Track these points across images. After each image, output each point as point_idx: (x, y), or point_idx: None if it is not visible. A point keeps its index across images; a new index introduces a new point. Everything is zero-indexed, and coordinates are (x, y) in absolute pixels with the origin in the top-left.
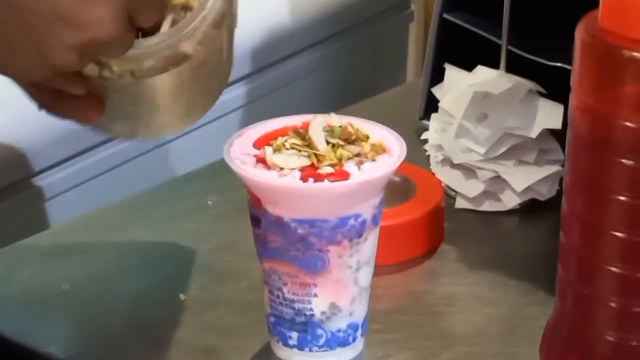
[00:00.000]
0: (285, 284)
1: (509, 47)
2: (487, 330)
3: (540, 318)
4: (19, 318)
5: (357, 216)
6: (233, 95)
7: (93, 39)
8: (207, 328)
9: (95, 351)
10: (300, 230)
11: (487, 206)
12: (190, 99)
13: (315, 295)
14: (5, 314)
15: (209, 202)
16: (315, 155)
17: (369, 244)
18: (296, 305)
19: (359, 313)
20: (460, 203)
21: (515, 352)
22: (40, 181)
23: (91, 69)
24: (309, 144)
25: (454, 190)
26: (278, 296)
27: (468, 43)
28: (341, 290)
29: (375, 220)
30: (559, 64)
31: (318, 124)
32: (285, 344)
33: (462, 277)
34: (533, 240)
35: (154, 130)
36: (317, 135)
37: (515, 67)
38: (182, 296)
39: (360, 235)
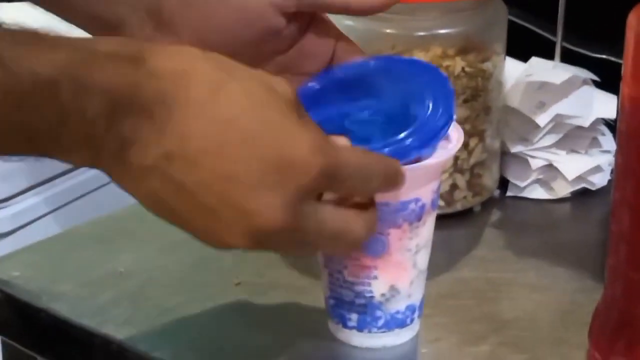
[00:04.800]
0: (346, 267)
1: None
2: (535, 315)
3: (588, 304)
4: (77, 300)
5: (417, 200)
6: None
7: (261, 227)
8: (261, 312)
9: (151, 333)
10: None
11: (539, 194)
12: None
13: (375, 277)
14: (63, 297)
15: None
16: None
17: (427, 228)
18: (356, 288)
19: (417, 295)
20: (512, 190)
21: (563, 337)
22: (93, 170)
23: None
24: None
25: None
26: (338, 279)
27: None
28: (400, 273)
29: (433, 204)
30: (604, 56)
31: None
32: (345, 326)
33: (511, 264)
34: (583, 229)
35: None
36: None
37: (561, 58)
38: (235, 281)
39: (419, 219)
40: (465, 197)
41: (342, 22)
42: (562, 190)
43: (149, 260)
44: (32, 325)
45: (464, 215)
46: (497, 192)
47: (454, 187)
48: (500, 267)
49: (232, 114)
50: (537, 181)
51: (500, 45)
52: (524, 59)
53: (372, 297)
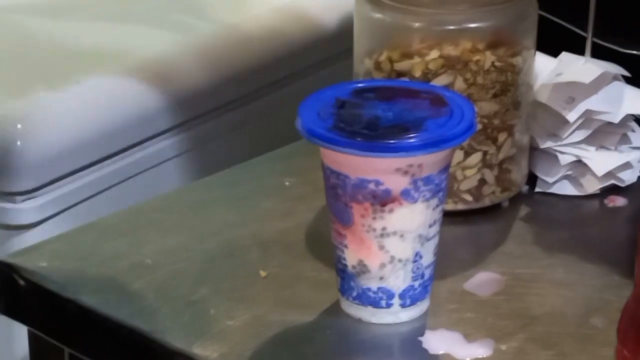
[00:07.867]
0: (332, 230)
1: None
2: (562, 311)
3: (616, 301)
4: (104, 291)
5: (377, 182)
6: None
7: None
8: (286, 304)
9: (178, 324)
10: (332, 179)
11: (568, 190)
12: None
13: (346, 246)
14: (90, 288)
15: (287, 183)
16: None
17: (399, 217)
18: (337, 252)
19: (394, 282)
20: (540, 186)
21: (591, 334)
22: (120, 162)
23: None
24: None
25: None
26: (331, 241)
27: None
28: (365, 251)
29: (408, 195)
30: (635, 52)
31: None
32: (338, 287)
33: (539, 260)
34: (611, 225)
35: None
36: None
37: (591, 53)
38: (262, 273)
39: (383, 204)
40: (493, 192)
41: (371, 15)
42: (591, 186)
43: (176, 252)
44: (58, 315)
45: (492, 210)
46: (525, 188)
47: (482, 182)
48: (528, 262)
49: None
50: (566, 177)
51: (531, 40)
52: (554, 54)
53: (346, 265)
